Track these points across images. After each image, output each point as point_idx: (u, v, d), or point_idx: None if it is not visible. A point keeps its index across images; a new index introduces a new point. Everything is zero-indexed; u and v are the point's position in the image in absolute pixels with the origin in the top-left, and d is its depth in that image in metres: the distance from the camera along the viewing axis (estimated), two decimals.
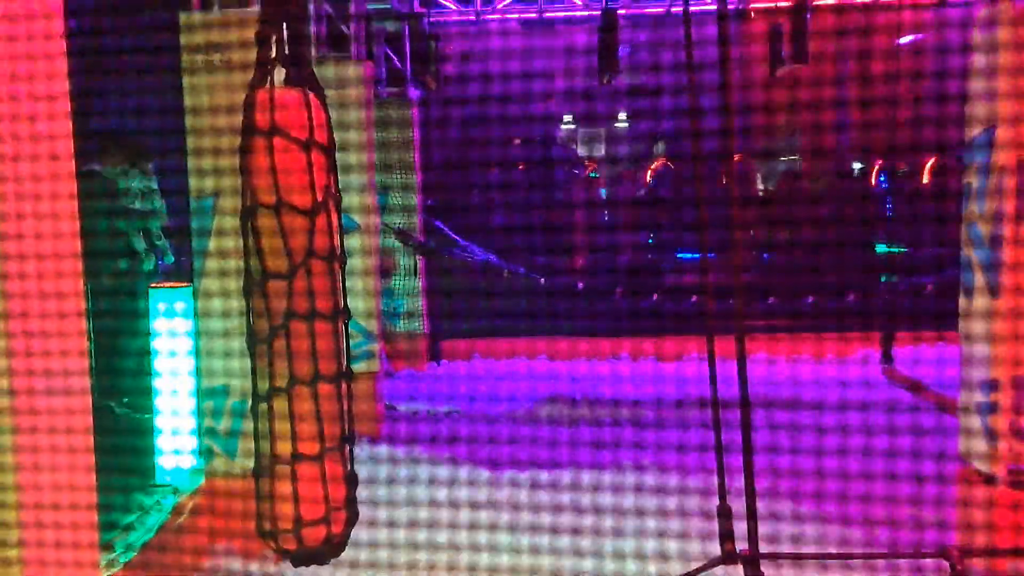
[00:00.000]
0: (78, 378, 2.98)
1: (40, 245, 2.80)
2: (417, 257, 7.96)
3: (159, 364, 4.36)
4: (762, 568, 2.77)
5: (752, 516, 2.56)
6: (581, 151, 11.47)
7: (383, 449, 5.69)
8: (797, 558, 3.70)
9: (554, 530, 4.45)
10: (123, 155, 5.56)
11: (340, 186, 2.40)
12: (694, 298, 8.17)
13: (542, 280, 8.49)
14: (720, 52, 2.59)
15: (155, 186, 5.73)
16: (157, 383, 4.35)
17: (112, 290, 4.99)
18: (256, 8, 3.79)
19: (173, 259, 5.83)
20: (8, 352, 2.66)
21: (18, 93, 2.71)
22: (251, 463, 2.31)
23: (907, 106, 8.81)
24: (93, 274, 2.96)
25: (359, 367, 2.68)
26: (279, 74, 2.28)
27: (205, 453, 4.44)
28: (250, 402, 2.25)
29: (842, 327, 8.16)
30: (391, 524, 4.51)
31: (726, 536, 2.69)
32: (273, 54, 2.25)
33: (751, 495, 2.60)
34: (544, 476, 5.16)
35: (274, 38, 2.26)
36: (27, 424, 2.77)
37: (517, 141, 10.49)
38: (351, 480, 2.33)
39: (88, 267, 2.87)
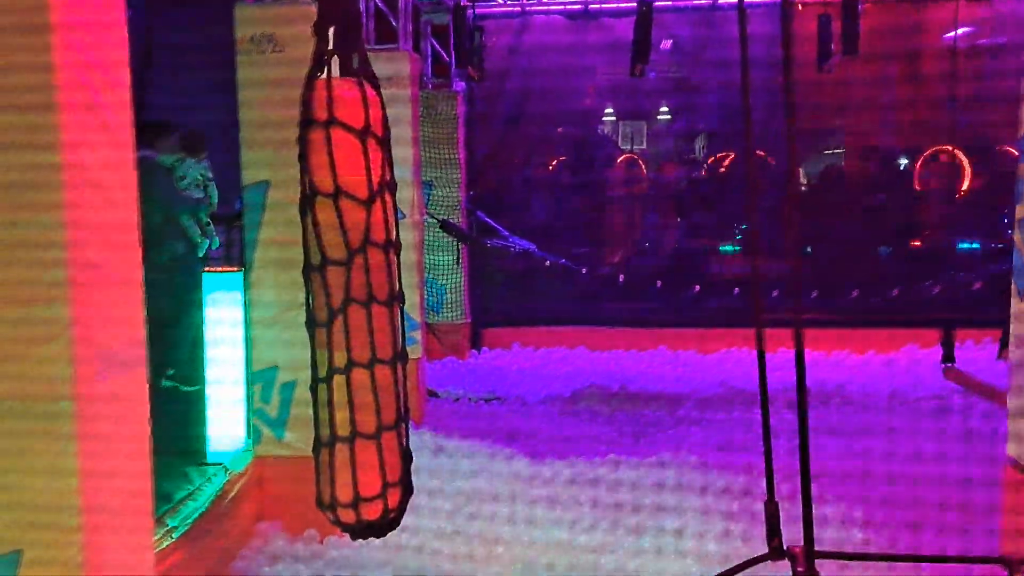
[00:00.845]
0: (137, 355, 3.09)
1: (103, 231, 2.92)
2: (460, 247, 8.05)
3: (210, 346, 4.49)
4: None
5: (807, 511, 2.57)
6: (623, 144, 11.49)
7: (425, 434, 5.78)
8: (848, 558, 3.64)
9: (591, 526, 4.45)
10: (178, 144, 5.74)
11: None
12: (736, 290, 8.14)
13: (583, 271, 8.54)
14: (784, 37, 2.58)
15: (209, 174, 5.91)
16: (208, 365, 4.49)
17: (167, 274, 5.14)
18: (310, 1, 3.88)
19: (219, 244, 6.00)
20: (72, 326, 2.78)
21: (84, 81, 2.82)
22: (299, 443, 2.42)
23: (960, 102, 8.70)
24: (149, 258, 3.07)
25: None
26: (335, 66, 2.37)
27: (254, 433, 4.58)
28: (310, 383, 2.34)
29: (899, 323, 8.04)
30: (433, 510, 4.59)
31: (773, 532, 2.71)
32: (330, 45, 2.34)
33: (807, 491, 2.61)
34: (583, 466, 5.15)
35: (331, 30, 2.35)
36: (88, 393, 2.89)
37: (560, 130, 10.53)
38: (406, 457, 2.42)
39: (145, 251, 2.98)
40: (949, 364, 7.54)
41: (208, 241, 5.75)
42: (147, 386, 3.22)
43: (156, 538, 3.59)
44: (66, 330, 2.73)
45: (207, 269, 4.61)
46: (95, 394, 2.94)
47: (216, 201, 5.97)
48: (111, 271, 2.99)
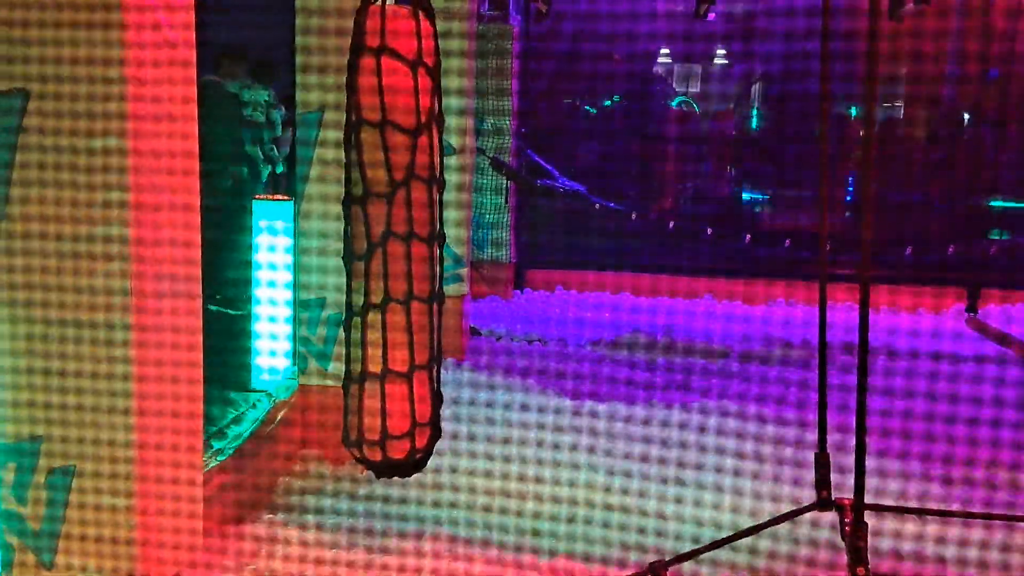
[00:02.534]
0: (192, 276, 3.11)
1: (163, 155, 2.91)
2: (508, 186, 7.98)
3: (259, 273, 4.51)
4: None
5: (860, 463, 2.53)
6: (678, 88, 11.26)
7: (466, 371, 5.80)
8: (897, 511, 3.59)
9: (629, 470, 4.45)
10: (246, 71, 5.74)
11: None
12: (787, 242, 8.00)
13: (632, 215, 8.43)
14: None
15: (274, 101, 5.91)
16: (256, 291, 4.51)
17: (228, 198, 5.16)
18: None
19: (283, 168, 6.02)
20: (131, 246, 2.79)
21: (145, 4, 2.79)
22: (343, 374, 2.40)
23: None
24: (211, 183, 3.07)
25: (448, 290, 2.73)
26: None
27: (299, 362, 4.61)
28: (343, 317, 2.31)
29: (933, 280, 8.01)
30: (471, 444, 4.61)
31: (822, 483, 2.68)
32: None
33: (860, 444, 2.56)
34: (623, 411, 5.15)
35: None
36: (143, 322, 2.91)
37: (614, 71, 10.31)
38: (436, 399, 2.40)
39: (208, 176, 2.98)
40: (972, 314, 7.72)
41: (271, 167, 5.77)
42: (200, 309, 3.25)
43: (203, 459, 3.64)
44: (125, 249, 2.75)
45: (257, 197, 4.61)
46: (151, 313, 2.96)
47: (280, 124, 5.98)
48: (171, 195, 2.99)
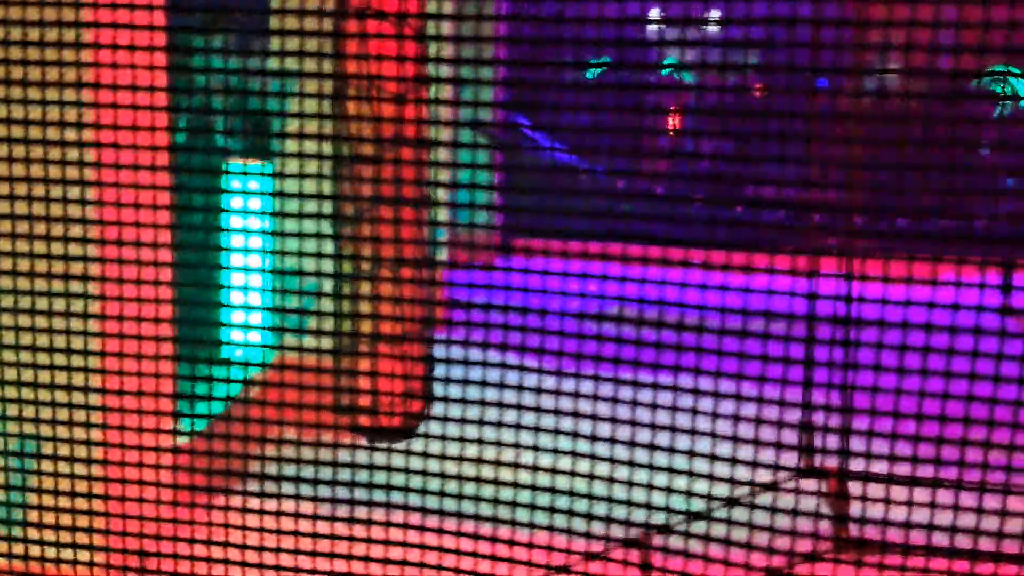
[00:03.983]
0: (161, 240, 3.01)
1: (131, 114, 2.80)
2: (493, 151, 7.85)
3: (233, 240, 4.38)
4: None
5: (843, 432, 2.47)
6: (670, 52, 11.09)
7: (449, 341, 5.70)
8: (883, 481, 3.56)
9: (614, 441, 4.39)
10: (215, 28, 5.55)
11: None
12: (781, 213, 7.92)
13: (619, 183, 8.33)
14: None
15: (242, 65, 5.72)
16: (230, 259, 4.38)
17: (195, 163, 5.02)
18: None
19: (252, 136, 5.86)
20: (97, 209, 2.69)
21: None
22: (320, 342, 2.32)
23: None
24: (180, 144, 2.96)
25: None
26: None
27: (275, 330, 4.49)
28: (334, 282, 2.23)
29: (952, 253, 7.90)
30: (454, 417, 4.54)
31: (805, 451, 2.62)
32: None
33: (845, 411, 2.49)
34: (608, 383, 5.08)
35: None
36: (112, 292, 2.81)
37: (603, 34, 10.14)
38: (429, 365, 2.32)
39: (176, 140, 2.87)
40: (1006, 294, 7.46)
41: (238, 132, 5.60)
42: (171, 276, 3.15)
43: (174, 434, 3.55)
44: (91, 213, 2.65)
45: (229, 159, 4.47)
46: (118, 284, 2.86)
47: (251, 90, 5.80)
48: (137, 155, 2.89)
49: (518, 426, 4.73)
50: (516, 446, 4.33)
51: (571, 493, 4.00)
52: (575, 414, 4.85)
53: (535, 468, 4.25)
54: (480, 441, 4.55)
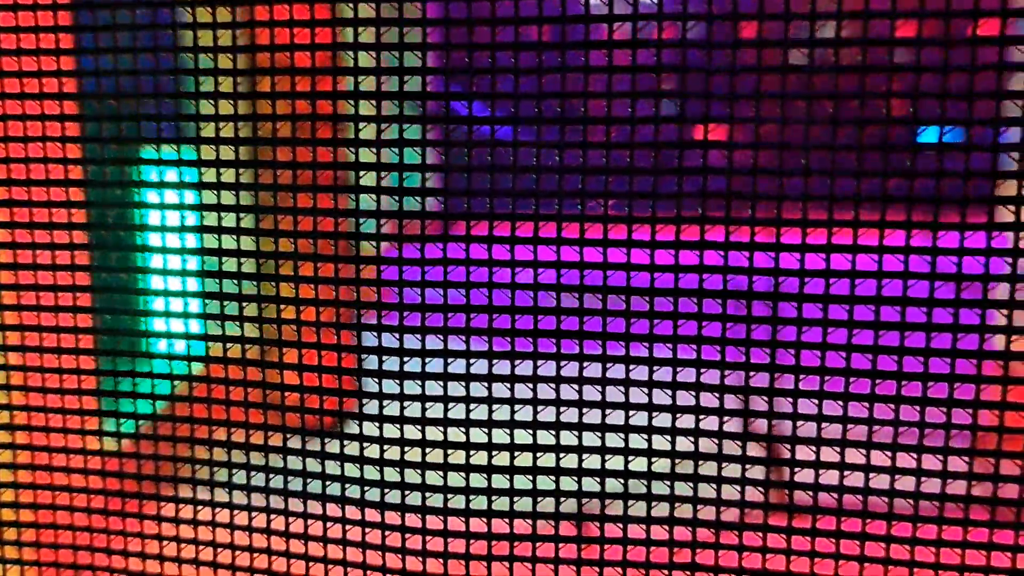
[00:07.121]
0: (76, 238, 2.92)
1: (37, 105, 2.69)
2: (426, 125, 7.74)
3: (153, 234, 4.24)
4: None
5: (770, 392, 2.44)
6: (615, 10, 11.06)
7: (388, 329, 5.63)
8: (813, 443, 3.60)
9: (561, 423, 4.38)
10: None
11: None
12: (733, 181, 7.94)
13: (557, 157, 8.28)
14: None
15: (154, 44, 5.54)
16: (152, 255, 4.24)
17: (108, 156, 4.84)
18: None
19: (173, 124, 5.67)
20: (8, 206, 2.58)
21: None
22: (251, 334, 2.25)
23: None
24: (90, 138, 2.84)
25: (364, 243, 2.58)
26: None
27: (203, 325, 4.35)
28: (255, 271, 2.15)
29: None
30: (396, 409, 4.47)
31: (742, 417, 2.59)
32: None
33: (773, 369, 2.47)
34: (553, 364, 5.07)
35: None
36: (27, 272, 2.72)
37: None
38: (360, 358, 2.25)
39: (86, 130, 2.75)
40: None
41: (157, 119, 5.41)
42: (90, 275, 3.07)
43: (101, 437, 3.44)
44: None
45: (146, 149, 4.30)
46: (36, 275, 2.77)
47: (165, 73, 5.62)
48: (46, 148, 2.78)
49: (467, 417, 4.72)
50: (450, 437, 4.30)
51: (509, 475, 3.98)
52: (513, 400, 4.84)
53: (471, 455, 4.23)
54: (425, 432, 4.51)
